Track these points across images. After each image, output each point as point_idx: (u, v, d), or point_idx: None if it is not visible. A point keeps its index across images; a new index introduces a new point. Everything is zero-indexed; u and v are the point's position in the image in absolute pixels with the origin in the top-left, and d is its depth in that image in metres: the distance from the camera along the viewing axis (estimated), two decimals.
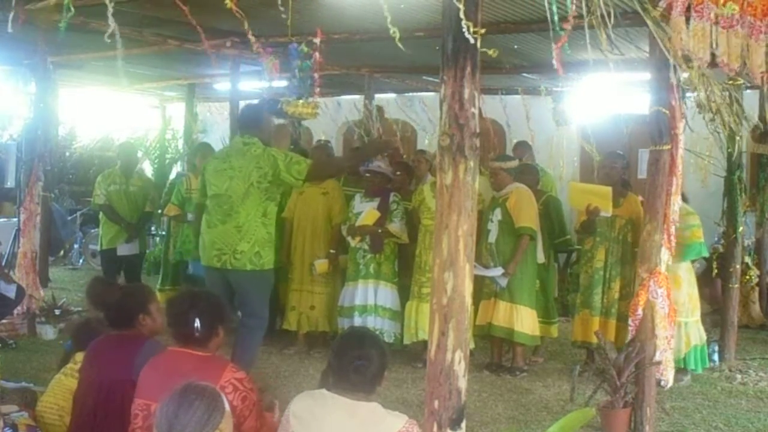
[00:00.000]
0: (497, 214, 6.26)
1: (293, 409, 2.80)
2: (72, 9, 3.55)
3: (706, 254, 6.33)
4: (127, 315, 3.66)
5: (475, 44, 2.90)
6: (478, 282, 6.15)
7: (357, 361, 2.75)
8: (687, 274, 6.07)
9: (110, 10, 3.27)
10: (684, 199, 6.15)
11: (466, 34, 2.82)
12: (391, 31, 2.99)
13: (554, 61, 2.87)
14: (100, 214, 8.06)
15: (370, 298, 6.50)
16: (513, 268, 6.14)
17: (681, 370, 5.92)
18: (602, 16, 3.05)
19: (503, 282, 6.16)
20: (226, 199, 5.28)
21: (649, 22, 3.58)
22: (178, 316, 3.19)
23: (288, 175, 5.25)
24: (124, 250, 7.79)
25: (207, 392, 2.39)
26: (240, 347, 5.33)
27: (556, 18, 2.83)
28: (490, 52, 2.90)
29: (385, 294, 6.54)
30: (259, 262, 5.28)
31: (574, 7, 2.93)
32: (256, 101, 6.65)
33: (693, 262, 6.33)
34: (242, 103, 7.44)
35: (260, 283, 5.42)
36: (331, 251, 6.75)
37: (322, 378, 2.88)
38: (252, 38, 5.20)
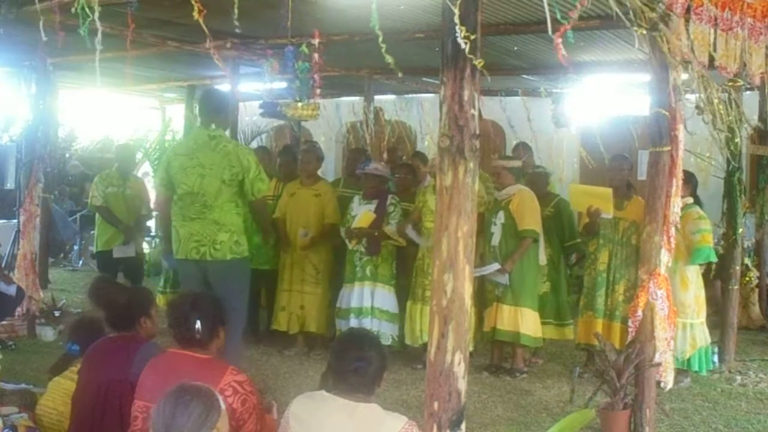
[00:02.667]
0: (500, 217, 6.23)
1: (293, 411, 2.80)
2: (89, 14, 3.53)
3: (715, 259, 6.23)
4: (130, 317, 3.68)
5: (475, 45, 2.89)
6: (481, 289, 6.15)
7: (356, 363, 2.74)
8: (695, 276, 6.07)
9: (96, 13, 3.27)
10: (698, 203, 6.15)
11: (458, 39, 2.82)
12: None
13: (559, 56, 2.83)
14: (97, 216, 8.04)
15: (366, 301, 6.49)
16: (510, 266, 6.12)
17: (681, 371, 5.92)
18: (602, 17, 3.04)
19: (503, 280, 6.15)
20: (199, 197, 5.20)
21: (645, 29, 3.57)
22: (180, 318, 3.19)
23: (249, 187, 5.27)
24: (120, 252, 7.75)
25: (203, 392, 2.38)
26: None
27: (560, 11, 2.80)
28: (477, 62, 2.88)
29: (383, 296, 6.53)
30: (238, 250, 5.27)
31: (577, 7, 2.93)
32: (217, 87, 6.49)
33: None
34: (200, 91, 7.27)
35: (240, 271, 5.37)
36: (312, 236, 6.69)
37: (322, 379, 2.88)
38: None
